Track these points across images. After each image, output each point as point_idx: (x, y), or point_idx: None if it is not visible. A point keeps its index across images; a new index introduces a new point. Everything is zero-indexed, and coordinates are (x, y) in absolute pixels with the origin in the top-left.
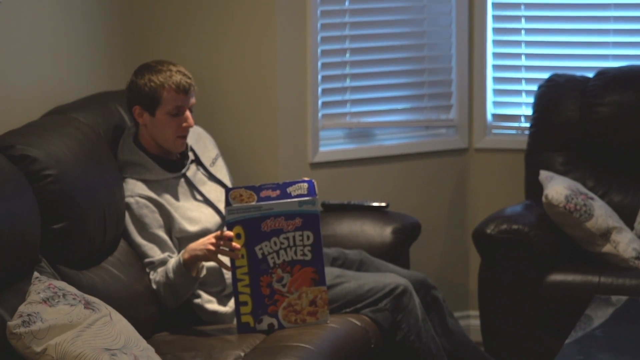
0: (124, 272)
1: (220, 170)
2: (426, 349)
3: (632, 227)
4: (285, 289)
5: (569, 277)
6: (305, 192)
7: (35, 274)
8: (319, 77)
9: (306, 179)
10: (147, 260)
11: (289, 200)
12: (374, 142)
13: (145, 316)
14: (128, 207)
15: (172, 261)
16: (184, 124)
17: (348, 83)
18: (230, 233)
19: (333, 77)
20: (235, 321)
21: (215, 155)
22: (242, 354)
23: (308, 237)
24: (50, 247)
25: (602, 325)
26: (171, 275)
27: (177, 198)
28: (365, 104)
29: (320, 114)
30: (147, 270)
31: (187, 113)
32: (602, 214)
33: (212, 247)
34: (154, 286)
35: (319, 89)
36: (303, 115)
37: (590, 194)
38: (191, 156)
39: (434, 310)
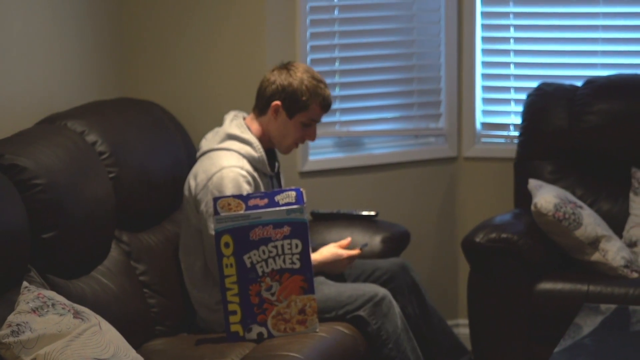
0: (114, 282)
1: None
2: (404, 358)
3: (620, 236)
4: (274, 297)
5: (558, 286)
6: (293, 201)
7: (25, 283)
8: None
9: (294, 187)
10: None
11: (276, 208)
12: (363, 151)
13: (135, 326)
14: (237, 176)
15: None
16: (307, 138)
17: (337, 92)
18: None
19: None
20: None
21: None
22: None
23: (296, 246)
24: (39, 257)
25: (591, 334)
26: None
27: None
28: (354, 113)
29: None
30: None
31: (315, 127)
32: (590, 223)
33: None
34: None
35: None
36: None
37: (579, 203)
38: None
39: (414, 293)
